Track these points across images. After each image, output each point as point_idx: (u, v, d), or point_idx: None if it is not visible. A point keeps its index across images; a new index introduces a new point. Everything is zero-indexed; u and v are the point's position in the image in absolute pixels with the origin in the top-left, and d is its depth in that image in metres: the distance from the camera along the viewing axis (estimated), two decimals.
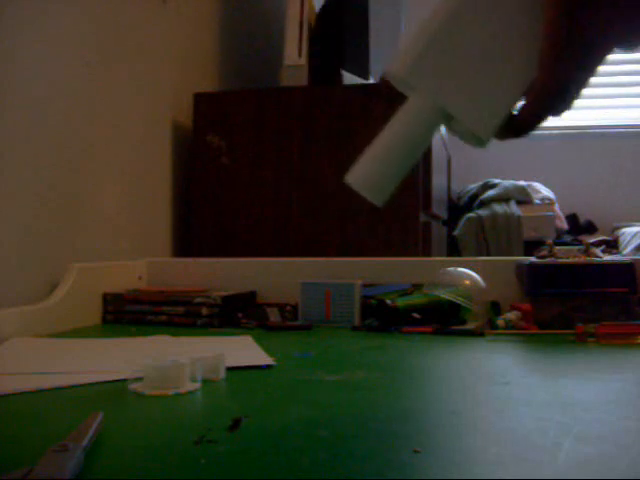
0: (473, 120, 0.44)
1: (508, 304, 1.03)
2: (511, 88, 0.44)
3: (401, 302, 1.00)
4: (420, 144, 0.44)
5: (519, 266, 1.08)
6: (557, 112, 0.45)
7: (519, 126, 0.45)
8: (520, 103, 0.45)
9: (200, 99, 1.53)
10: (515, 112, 0.46)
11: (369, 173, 0.44)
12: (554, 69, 0.42)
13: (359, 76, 1.64)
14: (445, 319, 0.99)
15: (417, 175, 1.41)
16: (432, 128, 0.44)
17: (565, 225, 2.71)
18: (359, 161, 0.45)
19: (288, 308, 1.10)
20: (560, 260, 1.01)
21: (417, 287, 1.08)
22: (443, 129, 1.82)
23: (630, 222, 2.71)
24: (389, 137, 0.44)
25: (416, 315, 0.99)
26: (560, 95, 0.43)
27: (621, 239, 2.56)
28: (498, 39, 0.44)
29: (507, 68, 0.44)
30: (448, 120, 0.45)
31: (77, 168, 1.15)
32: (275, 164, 1.48)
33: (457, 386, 0.61)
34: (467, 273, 1.05)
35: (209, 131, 1.51)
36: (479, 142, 0.45)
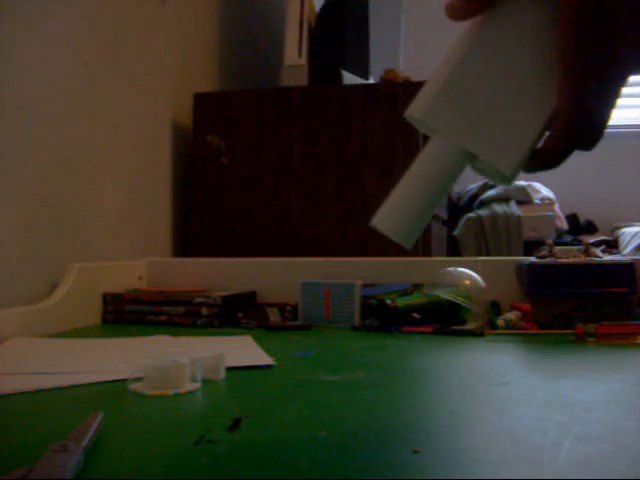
0: (496, 158, 0.43)
1: (508, 304, 1.02)
2: (532, 122, 0.43)
3: (401, 302, 1.00)
4: (445, 185, 0.44)
5: (519, 266, 1.08)
6: (583, 141, 0.43)
7: (546, 158, 0.44)
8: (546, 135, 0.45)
9: (200, 99, 1.53)
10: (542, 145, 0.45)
11: (396, 217, 0.44)
12: (573, 92, 0.41)
13: (359, 76, 1.65)
14: (445, 319, 0.99)
15: None
16: (456, 168, 0.44)
17: (565, 225, 2.71)
18: (384, 205, 0.45)
19: (288, 308, 1.10)
20: (560, 260, 1.01)
21: (417, 287, 1.08)
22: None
23: (630, 222, 2.71)
24: (414, 180, 0.44)
25: (416, 315, 0.99)
26: (582, 119, 0.42)
27: (621, 239, 2.56)
28: (515, 74, 0.43)
29: (527, 102, 0.43)
30: (472, 159, 0.45)
31: (77, 168, 1.15)
32: (275, 164, 1.48)
33: (457, 386, 0.61)
34: (467, 273, 1.05)
35: (209, 131, 1.51)
36: (505, 179, 0.45)
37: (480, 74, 0.44)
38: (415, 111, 0.45)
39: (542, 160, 0.44)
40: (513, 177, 0.45)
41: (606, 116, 0.43)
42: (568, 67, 0.41)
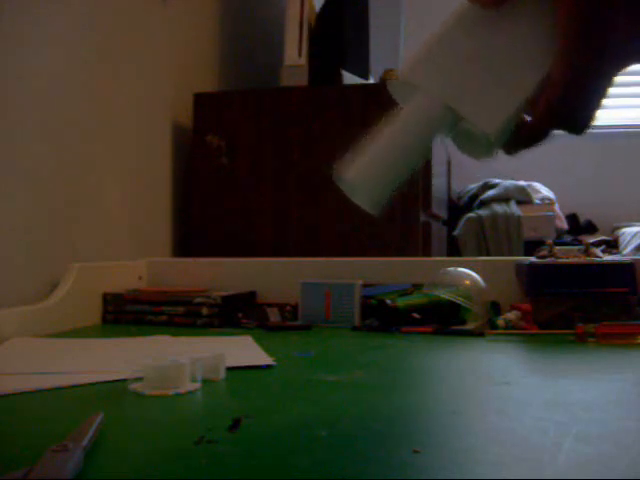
0: (478, 116, 0.41)
1: (508, 304, 1.02)
2: (521, 86, 0.41)
3: (401, 302, 1.00)
4: (421, 146, 0.41)
5: (519, 266, 1.08)
6: (572, 118, 0.42)
7: (531, 132, 0.43)
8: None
9: (200, 99, 1.53)
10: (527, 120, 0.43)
11: (364, 178, 0.40)
12: (570, 61, 0.40)
13: (359, 76, 1.65)
14: (445, 319, 0.99)
15: (417, 175, 1.41)
16: (435, 126, 0.42)
17: (565, 225, 2.71)
18: (352, 163, 0.41)
19: (288, 308, 1.10)
20: (560, 260, 1.01)
21: (417, 287, 1.08)
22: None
23: (630, 222, 2.71)
24: (388, 137, 0.41)
25: (416, 315, 0.99)
26: (577, 90, 0.41)
27: (621, 239, 2.56)
28: (508, 38, 0.42)
29: (517, 67, 0.42)
30: (453, 120, 0.42)
31: (77, 168, 1.15)
32: (275, 164, 1.48)
33: (457, 386, 0.61)
34: (467, 273, 1.05)
35: (209, 131, 1.51)
36: (487, 149, 0.43)
37: (469, 38, 0.42)
38: (401, 73, 0.42)
39: (527, 135, 0.43)
40: (496, 142, 0.42)
41: (598, 97, 0.42)
42: (567, 36, 0.40)
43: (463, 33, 0.43)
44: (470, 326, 0.98)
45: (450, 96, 0.41)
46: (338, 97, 1.46)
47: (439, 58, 0.42)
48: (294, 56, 1.57)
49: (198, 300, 1.06)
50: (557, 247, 1.09)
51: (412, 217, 1.40)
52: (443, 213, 2.00)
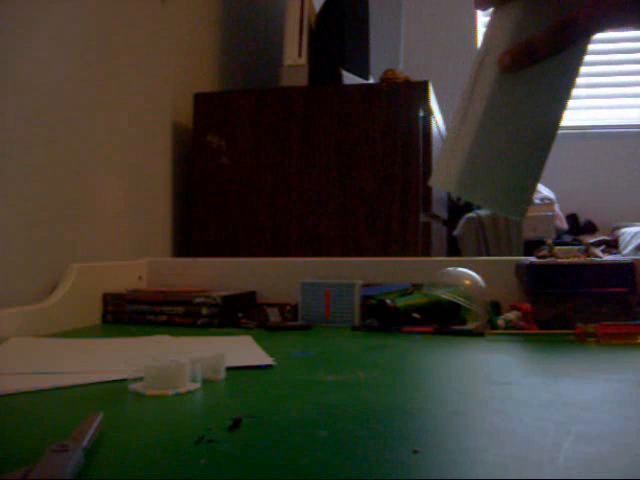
0: (507, 211, 0.51)
1: (508, 304, 1.02)
2: (537, 173, 0.50)
3: (401, 302, 1.00)
4: None
5: (519, 266, 1.08)
6: None
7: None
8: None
9: (200, 99, 1.53)
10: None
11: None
12: None
13: (359, 76, 1.65)
14: (445, 319, 0.99)
15: (417, 175, 1.41)
16: None
17: (565, 225, 2.71)
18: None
19: (288, 308, 1.10)
20: (560, 260, 1.01)
21: (417, 287, 1.08)
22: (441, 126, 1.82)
23: (630, 222, 2.71)
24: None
25: (416, 315, 0.99)
26: None
27: (621, 239, 2.56)
28: (523, 135, 0.50)
29: (532, 160, 0.50)
30: None
31: (77, 168, 1.15)
32: (275, 164, 1.48)
33: (457, 386, 0.61)
34: (467, 273, 1.05)
35: (209, 131, 1.51)
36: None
37: (493, 143, 0.49)
38: (442, 184, 0.50)
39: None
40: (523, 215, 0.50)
41: None
42: None
43: (486, 141, 0.49)
44: (470, 326, 0.98)
45: (487, 204, 0.50)
46: (338, 97, 1.46)
47: (473, 175, 0.49)
48: (294, 56, 1.57)
49: (198, 300, 1.06)
50: (557, 247, 1.09)
51: (412, 217, 1.40)
52: (443, 213, 1.99)
